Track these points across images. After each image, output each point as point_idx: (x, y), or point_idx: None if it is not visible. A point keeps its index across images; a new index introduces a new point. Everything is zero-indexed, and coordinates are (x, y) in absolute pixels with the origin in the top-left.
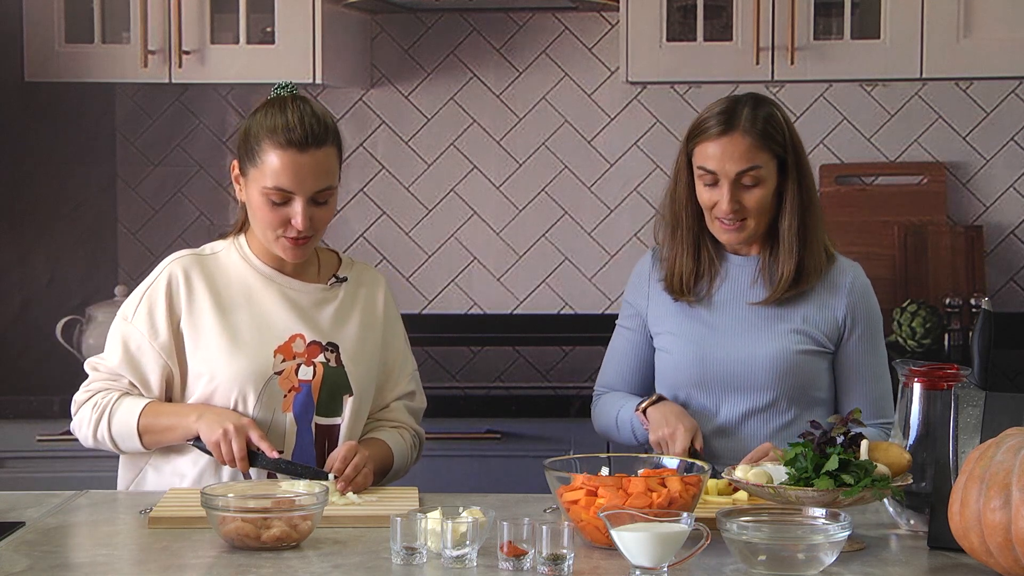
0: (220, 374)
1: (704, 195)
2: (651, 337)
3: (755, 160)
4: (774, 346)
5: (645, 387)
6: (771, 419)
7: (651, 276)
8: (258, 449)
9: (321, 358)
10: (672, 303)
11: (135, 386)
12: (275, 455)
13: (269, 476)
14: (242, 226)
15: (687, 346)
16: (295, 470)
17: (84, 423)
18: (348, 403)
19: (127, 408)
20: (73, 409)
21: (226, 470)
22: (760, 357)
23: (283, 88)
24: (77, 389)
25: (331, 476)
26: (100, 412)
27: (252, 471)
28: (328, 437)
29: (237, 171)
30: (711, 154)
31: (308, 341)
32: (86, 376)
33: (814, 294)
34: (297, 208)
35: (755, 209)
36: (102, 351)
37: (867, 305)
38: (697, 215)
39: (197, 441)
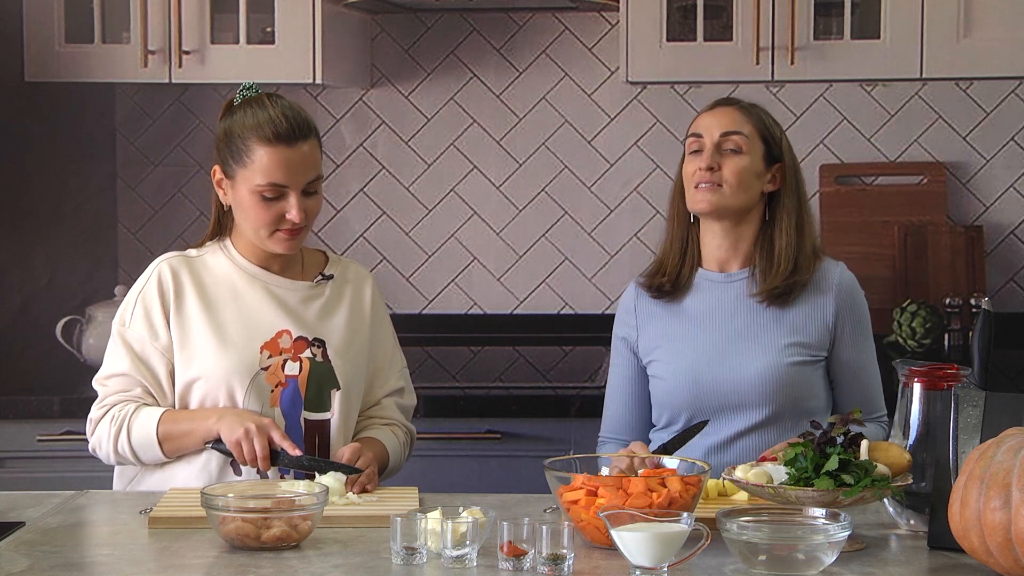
0: (207, 371)
1: (689, 167)
2: (645, 368)
3: (741, 127)
4: (766, 362)
5: (647, 422)
6: (767, 433)
7: (636, 306)
8: (280, 448)
9: (307, 353)
10: (660, 329)
11: (148, 391)
12: (297, 453)
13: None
14: (213, 231)
15: (679, 370)
16: (319, 467)
17: (104, 439)
18: (336, 398)
19: (145, 418)
20: (89, 428)
21: (217, 469)
22: (752, 375)
23: (248, 90)
24: (77, 389)
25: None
26: (119, 425)
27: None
28: (319, 432)
29: (220, 175)
30: (701, 122)
31: (294, 337)
32: (87, 380)
33: (801, 301)
34: (292, 201)
35: (732, 176)
36: (102, 351)
37: (855, 303)
38: (688, 217)
39: (217, 443)
